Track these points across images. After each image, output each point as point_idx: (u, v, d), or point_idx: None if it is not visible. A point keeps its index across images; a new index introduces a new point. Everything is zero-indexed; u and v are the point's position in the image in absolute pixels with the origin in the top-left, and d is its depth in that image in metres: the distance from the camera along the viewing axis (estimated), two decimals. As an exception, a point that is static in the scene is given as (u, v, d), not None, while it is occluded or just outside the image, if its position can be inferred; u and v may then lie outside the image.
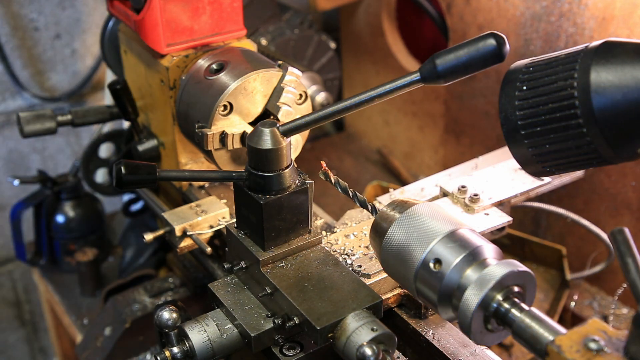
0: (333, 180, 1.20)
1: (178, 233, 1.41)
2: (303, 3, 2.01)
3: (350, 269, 1.24)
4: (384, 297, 1.24)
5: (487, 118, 2.02)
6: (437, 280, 1.00)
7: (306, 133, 1.48)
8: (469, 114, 2.08)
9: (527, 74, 1.04)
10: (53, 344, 2.45)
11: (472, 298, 0.96)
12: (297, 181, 1.20)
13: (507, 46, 1.03)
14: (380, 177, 2.36)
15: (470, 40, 1.04)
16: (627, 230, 0.88)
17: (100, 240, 2.14)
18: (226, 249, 1.29)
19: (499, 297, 0.96)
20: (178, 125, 1.49)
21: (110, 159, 1.98)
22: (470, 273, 0.98)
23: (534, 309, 0.95)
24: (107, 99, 2.36)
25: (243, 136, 1.37)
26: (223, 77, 1.38)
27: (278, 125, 1.17)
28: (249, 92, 1.37)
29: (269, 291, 1.17)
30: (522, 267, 0.97)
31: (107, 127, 2.24)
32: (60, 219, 2.07)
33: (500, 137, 1.16)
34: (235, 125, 1.38)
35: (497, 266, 0.97)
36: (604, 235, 1.63)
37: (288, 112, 1.39)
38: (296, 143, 1.46)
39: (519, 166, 1.10)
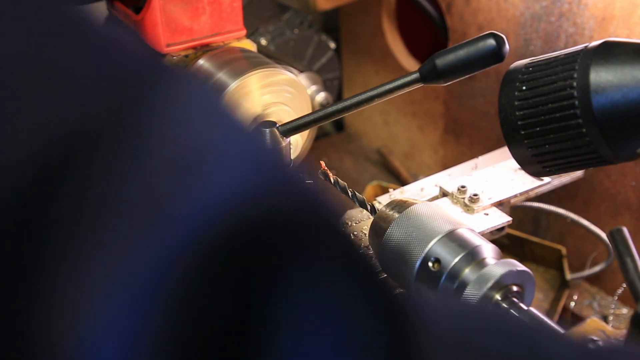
0: (332, 180, 1.20)
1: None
2: (303, 3, 2.01)
3: (350, 268, 1.24)
4: (383, 296, 1.23)
5: (487, 118, 2.02)
6: (436, 279, 1.00)
7: (313, 135, 1.47)
8: (468, 114, 2.08)
9: (526, 74, 1.03)
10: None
11: (470, 297, 0.96)
12: (296, 181, 1.20)
13: (507, 46, 1.03)
14: (380, 177, 2.36)
15: (470, 40, 1.04)
16: (625, 230, 0.88)
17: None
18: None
19: (498, 296, 0.96)
20: (178, 125, 1.49)
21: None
22: (469, 272, 0.98)
23: (533, 309, 0.95)
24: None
25: None
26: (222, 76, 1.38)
27: (277, 125, 1.16)
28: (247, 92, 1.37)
29: (268, 291, 1.17)
30: (520, 267, 0.97)
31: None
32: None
33: (500, 137, 1.16)
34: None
35: (496, 265, 0.97)
36: (604, 235, 1.63)
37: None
38: (296, 143, 1.46)
39: (519, 166, 1.10)
